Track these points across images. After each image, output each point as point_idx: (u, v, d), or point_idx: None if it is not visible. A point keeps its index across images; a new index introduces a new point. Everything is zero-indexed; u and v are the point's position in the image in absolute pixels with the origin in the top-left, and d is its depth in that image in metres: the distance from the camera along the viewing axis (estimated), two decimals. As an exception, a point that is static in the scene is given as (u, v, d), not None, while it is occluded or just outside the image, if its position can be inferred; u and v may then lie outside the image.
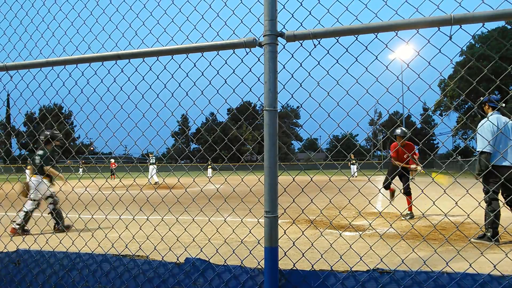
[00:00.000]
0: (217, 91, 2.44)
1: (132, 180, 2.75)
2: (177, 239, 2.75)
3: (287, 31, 2.17)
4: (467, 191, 2.00)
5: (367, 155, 2.38)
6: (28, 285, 2.86)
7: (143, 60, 2.58)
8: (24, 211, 6.09)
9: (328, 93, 2.19)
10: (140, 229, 2.95)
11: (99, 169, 3.07)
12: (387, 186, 7.80)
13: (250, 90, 2.33)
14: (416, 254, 2.33)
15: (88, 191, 2.68)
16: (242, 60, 2.32)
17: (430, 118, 68.52)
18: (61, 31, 2.88)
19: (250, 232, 2.51)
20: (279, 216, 2.16)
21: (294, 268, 2.27)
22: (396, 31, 2.04)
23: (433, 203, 2.20)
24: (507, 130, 5.21)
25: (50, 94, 2.95)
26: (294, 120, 73.45)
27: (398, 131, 8.14)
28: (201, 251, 2.70)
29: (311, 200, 2.45)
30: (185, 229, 2.89)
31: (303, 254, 2.39)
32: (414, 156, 8.17)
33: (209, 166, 33.29)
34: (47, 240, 3.04)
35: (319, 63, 2.21)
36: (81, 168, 35.02)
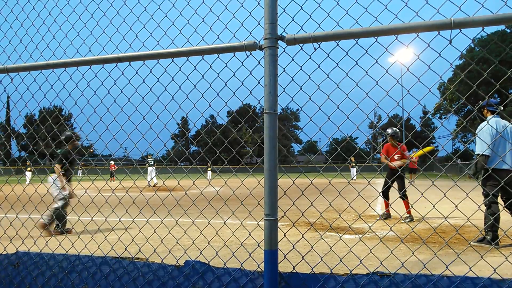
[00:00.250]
0: (217, 94, 2.44)
1: (131, 182, 2.75)
2: (177, 242, 2.75)
3: (287, 35, 2.18)
4: (467, 194, 2.01)
5: (367, 158, 2.38)
6: (27, 287, 2.86)
7: (144, 63, 2.59)
8: (53, 208, 6.07)
9: (328, 96, 2.19)
10: (140, 231, 2.95)
11: (99, 171, 3.07)
12: (385, 191, 7.76)
13: (250, 93, 2.34)
14: (416, 257, 2.32)
15: (87, 193, 2.68)
16: (242, 63, 2.33)
17: (430, 121, 68.58)
18: (62, 33, 2.89)
19: (250, 234, 2.51)
20: (279, 219, 2.16)
21: (294, 271, 2.27)
22: (396, 35, 2.05)
23: (433, 206, 2.20)
24: (507, 133, 5.22)
25: (51, 97, 2.96)
26: (294, 123, 73.51)
27: (389, 130, 8.24)
28: (201, 253, 2.69)
29: (311, 203, 2.45)
30: (184, 232, 2.89)
31: (303, 257, 2.39)
32: (404, 156, 8.15)
33: (209, 169, 33.28)
34: (47, 242, 3.04)
35: (319, 66, 2.21)
36: (80, 170, 34.98)
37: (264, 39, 2.15)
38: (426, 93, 2.10)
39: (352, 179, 28.47)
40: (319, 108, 2.23)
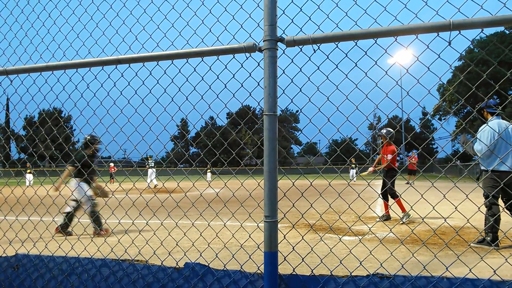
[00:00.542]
0: (217, 96, 2.44)
1: (131, 184, 2.74)
2: (177, 244, 2.75)
3: (286, 36, 2.18)
4: (466, 195, 2.01)
5: (366, 159, 2.39)
6: (26, 289, 2.85)
7: (143, 65, 2.59)
8: (65, 212, 6.03)
9: (327, 98, 2.19)
10: (140, 233, 2.95)
11: (99, 173, 3.07)
12: (384, 193, 7.77)
13: (250, 94, 2.34)
14: (416, 259, 2.32)
15: (87, 195, 2.68)
16: (242, 65, 2.33)
17: (429, 123, 68.63)
18: (62, 35, 2.89)
19: (249, 236, 2.51)
20: (278, 220, 2.15)
21: (294, 273, 2.27)
22: (395, 37, 2.05)
23: (433, 207, 2.20)
24: (508, 134, 5.19)
25: (50, 98, 2.96)
26: (293, 125, 73.53)
27: (383, 130, 8.17)
28: (201, 255, 2.69)
29: (311, 205, 2.45)
30: (184, 234, 2.88)
31: (302, 259, 2.39)
32: (389, 158, 8.14)
33: (209, 170, 33.25)
34: (46, 244, 3.04)
35: (318, 68, 2.21)
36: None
37: (263, 41, 2.15)
38: (426, 95, 2.10)
39: (351, 180, 28.50)
40: (319, 109, 2.23)
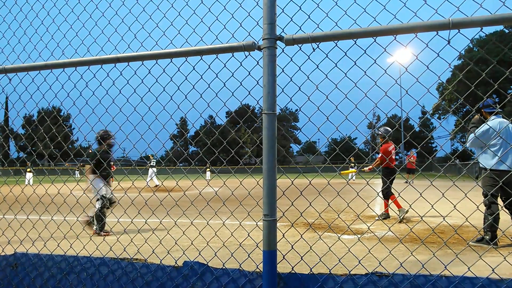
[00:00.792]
0: (216, 94, 2.44)
1: (130, 183, 2.74)
2: (176, 242, 2.75)
3: (286, 35, 2.18)
4: (465, 194, 2.01)
5: (365, 158, 2.38)
6: (25, 288, 2.85)
7: (142, 63, 2.58)
8: (95, 213, 6.01)
9: (327, 97, 2.19)
10: (139, 232, 2.94)
11: (98, 172, 3.06)
12: (384, 191, 7.78)
13: (249, 93, 2.34)
14: (415, 258, 2.32)
15: (86, 194, 2.68)
16: (241, 64, 2.33)
17: (429, 122, 68.70)
18: (60, 34, 2.88)
19: (248, 235, 2.51)
20: (277, 219, 2.15)
21: (293, 271, 2.27)
22: (394, 35, 2.05)
23: (432, 206, 2.20)
24: (509, 132, 5.18)
25: (49, 97, 2.95)
26: (293, 123, 73.52)
27: (381, 129, 8.21)
28: (200, 254, 2.69)
29: (310, 204, 2.45)
30: (183, 232, 2.88)
31: (301, 258, 2.38)
32: (379, 156, 8.20)
33: (208, 169, 33.23)
34: (45, 243, 3.03)
35: (318, 66, 2.21)
36: (77, 171, 34.80)
37: (262, 40, 2.15)
38: (425, 93, 2.10)
39: (351, 179, 28.51)
40: (318, 108, 2.23)
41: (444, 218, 2.26)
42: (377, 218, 7.80)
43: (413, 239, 5.56)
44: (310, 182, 2.29)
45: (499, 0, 1.95)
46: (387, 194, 7.69)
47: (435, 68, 2.05)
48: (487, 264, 2.13)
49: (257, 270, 2.32)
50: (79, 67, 2.74)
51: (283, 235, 2.46)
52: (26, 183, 23.09)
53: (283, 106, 2.39)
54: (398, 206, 7.63)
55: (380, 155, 8.00)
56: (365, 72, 2.11)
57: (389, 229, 2.32)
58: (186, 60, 2.47)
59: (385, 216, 7.95)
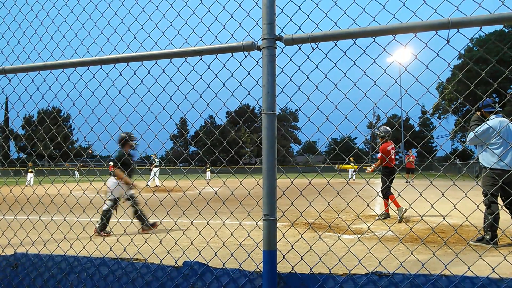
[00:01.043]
0: (216, 94, 2.44)
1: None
2: (176, 242, 2.75)
3: (285, 35, 2.18)
4: (465, 194, 2.01)
5: (365, 158, 2.39)
6: (25, 289, 2.85)
7: (142, 64, 2.59)
8: (104, 210, 5.96)
9: (326, 97, 2.19)
10: (139, 232, 2.94)
11: (97, 172, 3.07)
12: (383, 191, 7.78)
13: (249, 93, 2.34)
14: (415, 257, 2.32)
15: (86, 194, 2.68)
16: (240, 64, 2.33)
17: (429, 121, 68.71)
18: (60, 34, 2.88)
19: (248, 235, 2.51)
20: (277, 219, 2.16)
21: (293, 271, 2.27)
22: (394, 35, 2.05)
23: (432, 206, 2.20)
24: (509, 132, 5.17)
25: (49, 97, 2.95)
26: (292, 123, 73.54)
27: (381, 129, 8.22)
28: (200, 254, 2.69)
29: (310, 203, 2.45)
30: (183, 232, 2.88)
31: (301, 258, 2.39)
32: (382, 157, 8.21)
33: (208, 169, 33.23)
34: (45, 243, 3.03)
35: (317, 66, 2.21)
36: (77, 171, 34.77)
37: (262, 40, 2.15)
38: (424, 93, 2.10)
39: (351, 178, 28.52)
40: (318, 108, 2.23)
41: (444, 218, 2.26)
42: (377, 217, 7.80)
43: (413, 239, 5.56)
44: (310, 182, 2.29)
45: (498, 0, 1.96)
46: (386, 193, 7.70)
47: (435, 68, 2.05)
48: (487, 263, 2.13)
49: (257, 270, 2.32)
50: (78, 68, 2.74)
51: (283, 235, 2.46)
52: (27, 183, 23.10)
53: (282, 106, 2.40)
54: (397, 205, 7.64)
55: (380, 155, 8.01)
56: (364, 72, 2.11)
57: (389, 228, 2.32)
58: (186, 60, 2.47)
59: (385, 215, 7.95)
